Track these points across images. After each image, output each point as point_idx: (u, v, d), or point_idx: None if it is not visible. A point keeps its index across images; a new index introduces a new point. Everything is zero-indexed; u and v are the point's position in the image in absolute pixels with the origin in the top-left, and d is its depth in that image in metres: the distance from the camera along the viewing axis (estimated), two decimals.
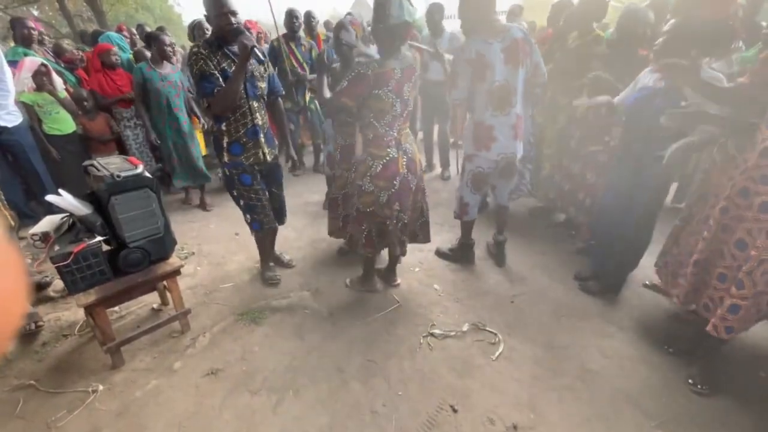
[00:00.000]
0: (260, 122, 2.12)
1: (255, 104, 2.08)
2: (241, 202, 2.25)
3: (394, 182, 1.97)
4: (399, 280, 2.47)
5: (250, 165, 2.15)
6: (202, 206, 3.72)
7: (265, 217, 2.28)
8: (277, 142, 2.35)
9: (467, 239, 2.65)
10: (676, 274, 1.90)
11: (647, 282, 2.40)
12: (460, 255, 2.70)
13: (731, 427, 1.58)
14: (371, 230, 2.14)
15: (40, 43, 3.64)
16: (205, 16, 1.97)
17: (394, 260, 2.41)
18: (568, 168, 2.87)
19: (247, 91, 2.02)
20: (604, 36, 2.73)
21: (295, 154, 2.46)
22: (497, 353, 1.93)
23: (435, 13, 3.62)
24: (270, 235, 2.46)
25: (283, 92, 2.34)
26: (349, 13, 4.12)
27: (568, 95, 2.77)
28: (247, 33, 1.87)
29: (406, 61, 1.86)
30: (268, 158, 2.20)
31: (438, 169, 4.47)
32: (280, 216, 2.50)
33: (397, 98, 1.85)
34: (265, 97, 2.19)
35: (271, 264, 2.60)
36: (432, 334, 2.06)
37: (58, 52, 4.05)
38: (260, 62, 2.09)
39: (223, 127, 2.07)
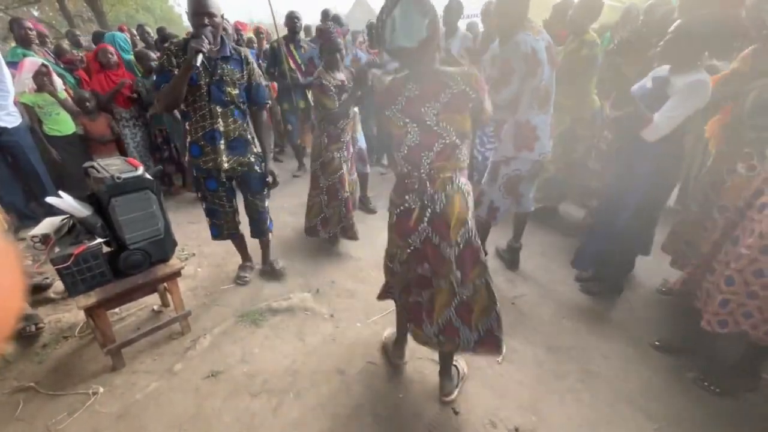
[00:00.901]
0: (222, 128, 2.04)
1: (219, 109, 2.00)
2: (204, 205, 2.26)
3: (410, 240, 1.44)
4: (454, 394, 1.69)
5: (208, 170, 2.11)
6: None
7: (225, 224, 2.30)
8: (256, 151, 2.23)
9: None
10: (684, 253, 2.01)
11: (663, 288, 2.39)
12: None
13: (732, 428, 1.58)
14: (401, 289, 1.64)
15: (42, 43, 3.64)
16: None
17: (443, 358, 1.68)
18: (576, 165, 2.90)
19: (210, 94, 1.98)
20: (597, 39, 2.74)
21: (273, 168, 2.29)
22: (500, 356, 1.92)
23: (453, 12, 3.53)
24: (236, 240, 2.48)
25: (267, 103, 2.24)
26: (330, 20, 4.05)
27: (570, 97, 2.78)
28: (201, 37, 1.77)
29: (435, 76, 1.33)
30: (225, 165, 2.09)
31: None
32: (257, 229, 2.42)
33: (413, 123, 1.34)
34: (240, 105, 2.09)
35: (248, 264, 2.62)
36: None
37: (58, 53, 4.05)
38: (204, 70, 1.92)
39: (187, 126, 2.08)
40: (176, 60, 1.91)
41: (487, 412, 1.65)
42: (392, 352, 1.88)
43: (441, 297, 1.47)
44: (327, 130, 2.60)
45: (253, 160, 2.21)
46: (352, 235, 2.84)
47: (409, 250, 1.46)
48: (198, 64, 1.76)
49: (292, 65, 3.87)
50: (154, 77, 1.99)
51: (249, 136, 2.19)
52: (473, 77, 1.32)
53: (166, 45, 1.95)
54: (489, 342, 1.55)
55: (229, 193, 2.24)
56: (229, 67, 2.01)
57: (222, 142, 2.06)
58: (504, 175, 2.30)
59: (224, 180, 2.17)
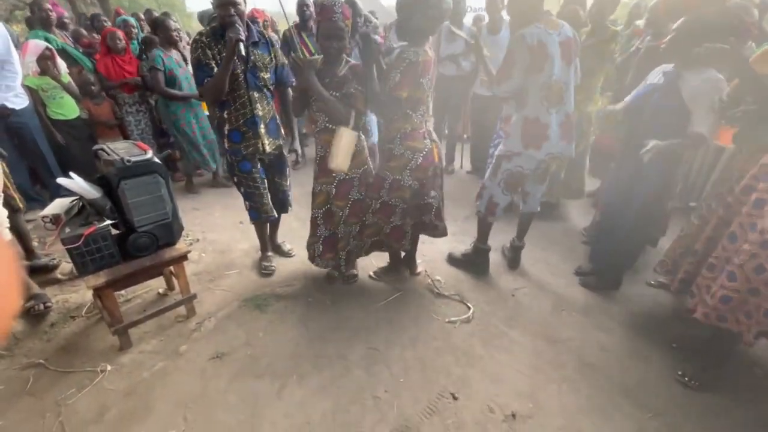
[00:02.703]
0: (260, 113, 2.10)
1: (256, 94, 2.06)
2: (241, 189, 2.30)
3: (429, 172, 2.03)
4: (420, 269, 2.51)
5: (250, 153, 2.16)
6: (217, 181, 3.91)
7: (262, 206, 2.32)
8: (283, 133, 2.35)
9: (483, 243, 2.49)
10: (679, 263, 1.98)
11: (652, 281, 2.42)
12: (475, 261, 2.54)
13: (724, 419, 1.62)
14: (405, 223, 2.18)
15: (62, 26, 3.63)
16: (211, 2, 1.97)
17: (413, 249, 2.42)
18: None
19: (247, 81, 2.02)
20: (618, 32, 2.75)
21: (299, 147, 2.44)
22: (498, 343, 1.97)
23: (460, 2, 3.50)
24: (268, 225, 2.51)
25: (293, 83, 2.31)
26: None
27: (582, 92, 2.78)
28: (236, 26, 1.83)
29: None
30: (268, 149, 2.18)
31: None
32: (282, 206, 2.50)
33: (430, 88, 1.94)
34: (270, 88, 2.16)
35: (269, 254, 2.63)
36: (433, 324, 2.09)
37: (76, 37, 4.04)
38: (241, 58, 1.94)
39: (225, 115, 2.09)
40: (210, 51, 1.93)
41: (486, 398, 1.69)
42: (394, 274, 2.48)
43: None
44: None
45: (282, 142, 2.31)
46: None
47: (424, 181, 2.07)
48: (243, 53, 1.84)
49: (306, 53, 3.86)
50: (194, 72, 1.99)
51: (277, 119, 2.26)
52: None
53: (197, 38, 1.95)
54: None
55: (262, 174, 2.29)
56: (259, 52, 2.04)
57: (262, 126, 2.13)
58: (505, 170, 2.24)
59: (257, 161, 2.22)
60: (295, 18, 3.90)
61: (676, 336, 2.00)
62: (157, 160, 1.83)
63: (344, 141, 1.90)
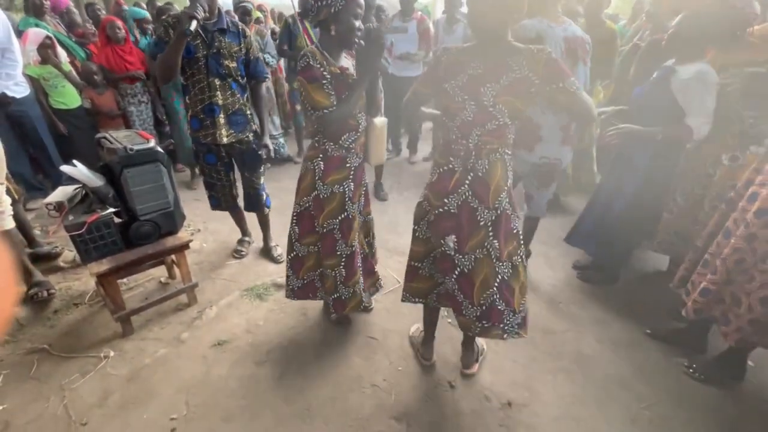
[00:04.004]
0: (221, 101, 2.06)
1: (217, 82, 2.03)
2: (203, 178, 2.35)
3: (446, 201, 1.42)
4: (475, 368, 1.79)
5: (207, 144, 2.16)
6: None
7: (222, 197, 2.38)
8: (254, 128, 2.27)
9: None
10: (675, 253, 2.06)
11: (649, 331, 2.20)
12: None
13: (716, 410, 1.65)
14: (418, 264, 1.62)
15: (61, 15, 3.60)
16: None
17: (466, 340, 1.77)
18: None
19: (208, 67, 2.00)
20: (617, 30, 2.75)
21: (269, 143, 2.28)
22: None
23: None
24: (234, 214, 2.57)
25: (266, 77, 2.27)
26: None
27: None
28: (197, 5, 1.74)
29: (500, 56, 1.27)
30: (224, 140, 2.12)
31: None
32: (252, 204, 2.46)
33: (471, 101, 1.31)
34: (239, 79, 2.11)
35: (246, 239, 2.70)
36: None
37: (70, 26, 4.01)
38: (188, 33, 1.74)
39: (187, 100, 2.11)
40: (173, 31, 1.90)
41: (483, 386, 1.72)
42: (421, 351, 1.83)
43: (480, 270, 1.42)
44: (323, 148, 1.62)
45: (251, 138, 2.26)
46: (352, 308, 1.86)
47: (437, 212, 1.45)
48: (192, 29, 1.70)
49: (308, 42, 3.84)
50: (150, 49, 1.97)
51: (249, 113, 2.22)
52: (540, 61, 1.24)
53: (164, 17, 1.98)
54: (526, 323, 1.54)
55: (227, 168, 2.30)
56: (226, 39, 2.02)
57: (221, 115, 2.09)
58: None
59: (223, 155, 2.23)
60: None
61: (669, 332, 2.03)
62: (159, 149, 1.84)
63: (381, 132, 1.76)
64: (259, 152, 2.26)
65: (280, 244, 2.65)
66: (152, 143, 1.83)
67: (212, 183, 2.34)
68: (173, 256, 2.10)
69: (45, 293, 2.11)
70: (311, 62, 1.47)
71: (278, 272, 2.46)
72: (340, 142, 1.62)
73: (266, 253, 2.66)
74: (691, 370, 1.80)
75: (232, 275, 2.44)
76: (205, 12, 1.79)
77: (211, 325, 2.03)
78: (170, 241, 1.97)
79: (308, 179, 1.67)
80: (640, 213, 2.08)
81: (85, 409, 1.58)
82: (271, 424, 1.54)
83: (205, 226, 3.00)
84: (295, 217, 1.78)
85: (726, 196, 1.73)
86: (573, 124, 2.04)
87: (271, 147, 2.31)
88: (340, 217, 1.68)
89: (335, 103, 1.51)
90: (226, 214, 3.16)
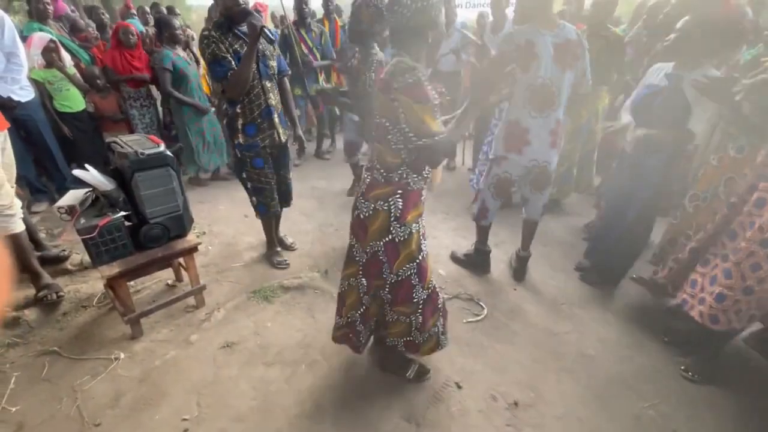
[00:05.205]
0: (273, 102, 2.15)
1: (268, 84, 2.11)
2: (249, 185, 2.31)
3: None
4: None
5: (264, 147, 2.19)
6: (217, 175, 3.96)
7: (271, 201, 2.36)
8: (288, 123, 2.39)
9: (483, 244, 2.50)
10: (666, 260, 2.05)
11: (634, 275, 2.44)
12: (476, 261, 2.55)
13: (718, 409, 1.68)
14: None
15: (67, 21, 3.62)
16: None
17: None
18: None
19: (259, 71, 2.05)
20: (622, 34, 2.78)
21: (302, 134, 2.50)
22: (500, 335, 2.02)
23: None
24: (274, 219, 2.56)
25: (289, 72, 2.36)
26: None
27: (592, 92, 2.80)
28: (255, 14, 1.89)
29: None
30: (283, 138, 2.24)
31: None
32: (286, 199, 2.54)
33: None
34: (275, 78, 2.20)
35: (279, 249, 2.67)
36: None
37: (74, 30, 4.03)
38: (270, 42, 2.06)
39: (238, 110, 2.10)
40: (223, 45, 1.93)
41: (489, 387, 1.75)
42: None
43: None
44: (403, 182, 1.37)
45: (289, 133, 2.34)
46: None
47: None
48: (272, 37, 1.90)
49: (305, 50, 3.87)
50: (211, 68, 1.96)
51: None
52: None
53: (206, 34, 1.94)
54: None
55: (272, 170, 2.32)
56: (265, 42, 2.07)
57: (275, 116, 2.17)
58: (494, 174, 2.23)
59: (268, 156, 2.25)
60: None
61: (666, 330, 2.06)
62: (169, 153, 1.86)
63: None
64: (294, 143, 2.38)
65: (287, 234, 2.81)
66: (162, 147, 1.85)
67: (261, 188, 2.29)
68: (181, 259, 2.12)
69: (54, 296, 2.12)
70: (422, 78, 1.22)
71: (284, 274, 2.49)
72: (425, 173, 1.40)
73: (280, 242, 2.73)
74: (689, 374, 1.82)
75: (238, 277, 2.47)
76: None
77: (220, 327, 2.05)
78: (179, 244, 1.99)
79: (378, 222, 1.38)
80: (650, 221, 2.11)
81: (97, 410, 1.60)
82: (283, 424, 1.56)
83: (210, 229, 3.03)
84: (361, 269, 1.54)
85: (729, 201, 1.76)
86: (561, 128, 2.09)
87: (304, 138, 2.45)
88: (417, 260, 1.46)
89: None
90: (230, 216, 3.19)
